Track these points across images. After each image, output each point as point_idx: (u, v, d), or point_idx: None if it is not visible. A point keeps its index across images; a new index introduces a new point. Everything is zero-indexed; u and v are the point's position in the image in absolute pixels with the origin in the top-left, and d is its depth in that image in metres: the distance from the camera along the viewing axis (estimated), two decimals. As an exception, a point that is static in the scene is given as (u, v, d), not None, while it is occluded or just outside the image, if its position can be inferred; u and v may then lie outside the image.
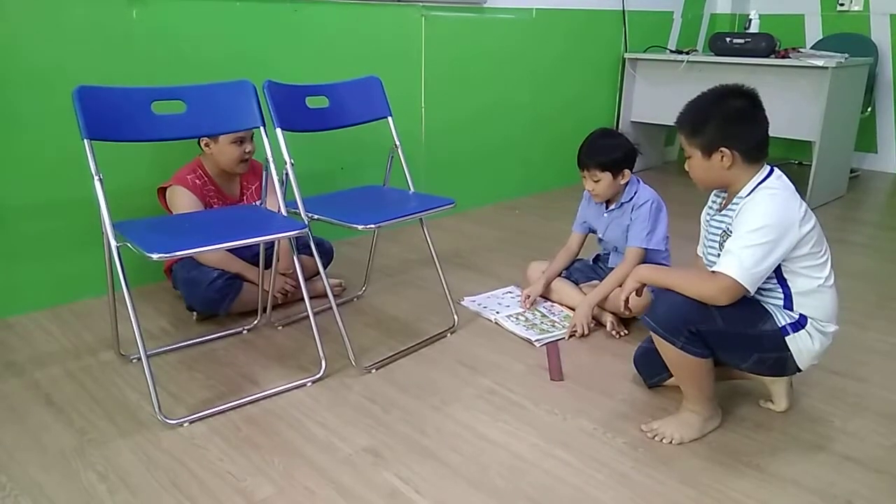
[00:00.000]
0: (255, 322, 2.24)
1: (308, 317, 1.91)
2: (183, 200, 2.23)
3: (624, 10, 4.30)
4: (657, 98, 4.36)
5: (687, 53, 4.19)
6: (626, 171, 2.24)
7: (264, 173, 2.02)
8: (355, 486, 1.48)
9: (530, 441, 1.65)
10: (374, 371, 1.98)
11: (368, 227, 1.87)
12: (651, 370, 1.83)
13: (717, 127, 1.55)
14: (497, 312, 2.38)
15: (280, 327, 2.25)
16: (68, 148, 1.97)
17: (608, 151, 2.21)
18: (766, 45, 3.82)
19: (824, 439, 1.69)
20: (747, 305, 1.54)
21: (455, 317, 2.28)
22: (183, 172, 2.29)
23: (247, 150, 2.27)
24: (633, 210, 2.25)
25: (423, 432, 1.69)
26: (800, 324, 1.57)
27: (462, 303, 2.46)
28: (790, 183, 1.58)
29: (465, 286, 2.58)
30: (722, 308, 1.51)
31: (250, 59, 2.66)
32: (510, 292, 2.57)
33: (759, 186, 1.55)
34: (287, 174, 1.96)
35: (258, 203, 2.13)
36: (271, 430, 1.68)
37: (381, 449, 1.61)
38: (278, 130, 1.96)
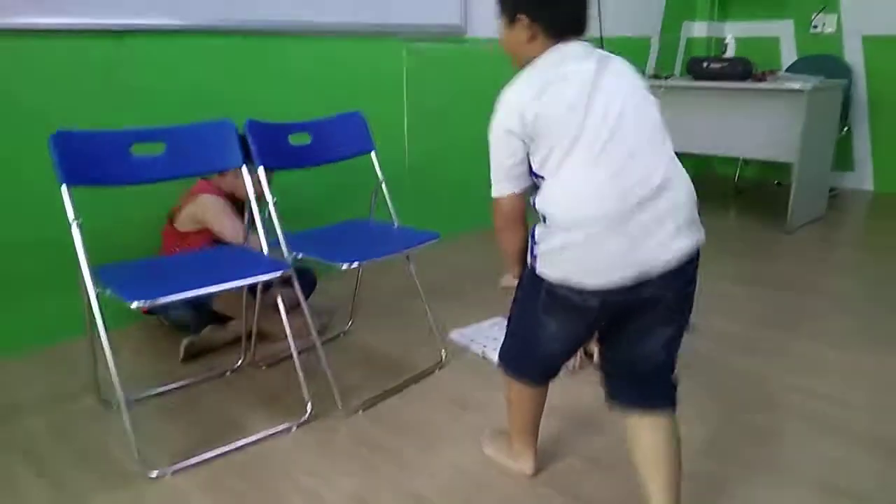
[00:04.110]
0: (239, 362, 2.20)
1: (286, 358, 1.89)
2: (218, 205, 2.26)
3: (602, 38, 4.34)
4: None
5: (665, 79, 4.24)
6: None
7: (246, 212, 2.00)
8: (344, 537, 1.44)
9: (522, 481, 1.63)
10: (361, 412, 1.94)
11: (351, 265, 1.85)
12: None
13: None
14: (485, 346, 2.35)
15: (264, 367, 2.21)
16: (47, 186, 1.94)
17: None
18: (742, 69, 3.87)
19: (809, 466, 1.68)
20: None
21: (443, 352, 2.26)
22: (202, 187, 2.29)
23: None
24: None
25: (412, 476, 1.65)
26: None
27: (450, 336, 2.44)
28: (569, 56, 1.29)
29: (453, 318, 2.56)
30: None
31: (233, 95, 2.65)
32: (497, 324, 2.55)
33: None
34: (270, 212, 1.94)
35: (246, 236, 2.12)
36: (257, 479, 1.64)
37: (368, 496, 1.58)
38: (260, 169, 1.95)
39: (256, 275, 1.72)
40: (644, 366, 1.33)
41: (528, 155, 1.27)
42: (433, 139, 3.48)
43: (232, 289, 1.69)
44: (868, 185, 4.77)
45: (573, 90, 1.22)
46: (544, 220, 1.27)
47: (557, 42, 1.28)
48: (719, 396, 2.03)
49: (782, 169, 4.36)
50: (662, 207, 1.19)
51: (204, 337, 2.27)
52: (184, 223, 2.31)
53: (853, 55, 4.63)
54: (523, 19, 1.28)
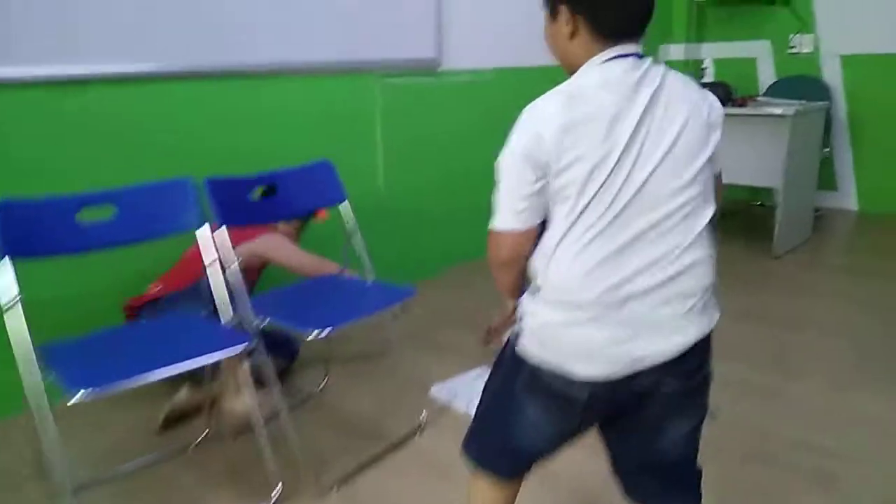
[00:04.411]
0: (204, 433, 2.05)
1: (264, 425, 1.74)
2: (286, 241, 2.26)
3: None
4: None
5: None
6: None
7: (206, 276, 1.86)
8: None
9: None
10: (335, 490, 1.80)
11: (321, 333, 1.71)
12: None
13: None
14: (469, 402, 2.22)
15: (232, 438, 2.06)
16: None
17: None
18: (722, 94, 3.80)
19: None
20: None
21: (423, 414, 2.12)
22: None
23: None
24: None
25: (392, 567, 1.52)
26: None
27: (431, 391, 2.30)
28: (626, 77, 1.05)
29: (434, 369, 2.42)
30: None
31: (202, 142, 2.51)
32: (481, 375, 2.41)
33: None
34: (235, 275, 1.81)
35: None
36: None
37: None
38: (223, 229, 1.81)
39: (215, 351, 1.57)
40: (662, 462, 1.18)
41: (544, 188, 1.06)
42: (409, 174, 3.36)
43: (190, 369, 1.54)
44: (852, 204, 4.73)
45: (604, 130, 1.01)
46: (534, 287, 1.12)
47: (606, 45, 1.06)
48: (710, 448, 1.91)
49: (766, 190, 4.30)
50: (672, 294, 1.05)
51: (179, 402, 2.12)
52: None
53: (831, 75, 4.60)
54: (564, 11, 1.08)
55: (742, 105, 3.75)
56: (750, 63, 4.93)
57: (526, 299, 1.13)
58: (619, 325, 1.04)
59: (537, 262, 1.10)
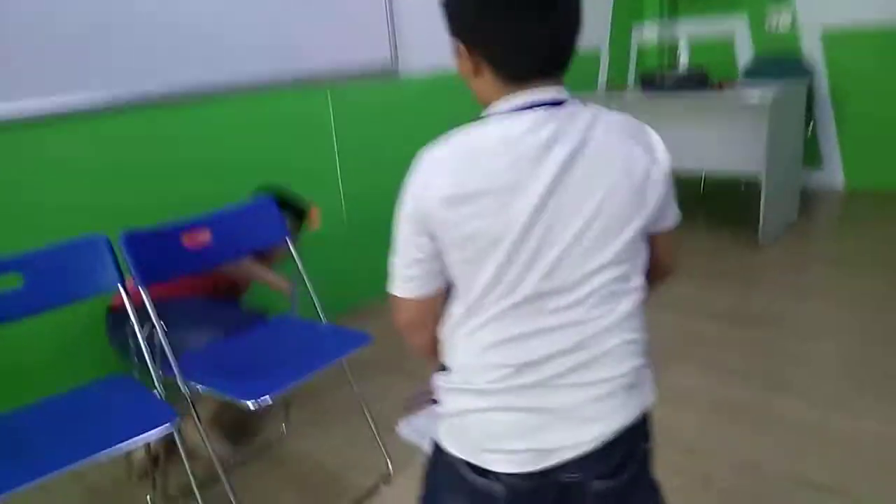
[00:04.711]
0: (148, 497, 1.89)
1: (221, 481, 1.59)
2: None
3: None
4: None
5: (618, 90, 3.98)
6: None
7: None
8: None
9: None
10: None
11: (260, 402, 1.54)
12: None
13: (450, 10, 0.91)
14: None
15: (180, 500, 1.91)
16: None
17: None
18: (698, 80, 3.63)
19: None
20: None
21: (388, 461, 1.97)
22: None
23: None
24: None
25: None
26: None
27: (398, 430, 2.15)
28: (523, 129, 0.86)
29: (400, 402, 2.26)
30: None
31: (145, 179, 2.32)
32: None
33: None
34: (160, 340, 1.64)
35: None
36: None
37: None
38: (141, 291, 1.64)
39: (130, 437, 1.39)
40: None
41: (440, 254, 0.91)
42: (370, 186, 3.18)
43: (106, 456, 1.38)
44: (838, 184, 4.57)
45: (500, 205, 0.84)
46: (445, 366, 0.97)
47: (513, 88, 0.88)
48: (690, 488, 1.77)
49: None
50: (588, 380, 0.90)
51: (139, 460, 1.97)
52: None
53: (811, 50, 4.41)
54: (461, 48, 0.91)
55: (720, 89, 3.56)
56: (727, 42, 4.74)
57: (441, 378, 0.98)
58: (526, 413, 0.90)
59: (444, 336, 0.96)
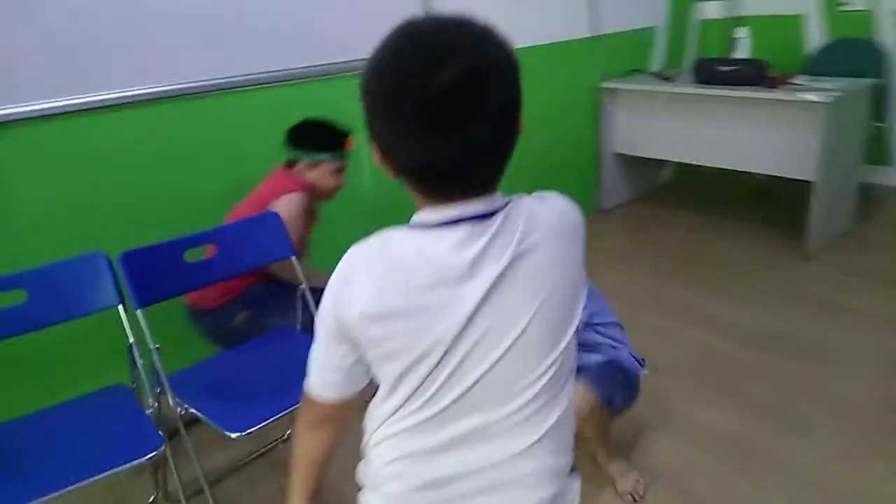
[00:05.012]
0: (151, 498, 1.97)
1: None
2: (299, 210, 2.09)
3: (592, 37, 3.88)
4: (640, 129, 3.97)
5: (669, 80, 3.77)
6: None
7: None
8: None
9: None
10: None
11: (245, 433, 1.56)
12: None
13: (365, 105, 0.81)
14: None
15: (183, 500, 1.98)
16: None
17: None
18: (755, 73, 3.39)
19: None
20: None
21: None
22: (290, 183, 2.12)
23: (344, 181, 2.25)
24: None
25: None
26: None
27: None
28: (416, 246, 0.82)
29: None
30: None
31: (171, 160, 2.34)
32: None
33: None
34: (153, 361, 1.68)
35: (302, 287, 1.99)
36: None
37: None
38: (139, 312, 1.68)
39: (115, 467, 1.44)
40: None
41: (361, 359, 0.88)
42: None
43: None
44: (907, 181, 4.25)
45: (421, 326, 0.80)
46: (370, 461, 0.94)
47: (432, 200, 0.82)
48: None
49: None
50: (502, 499, 0.87)
51: None
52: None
53: (889, 36, 4.05)
54: (377, 152, 0.83)
55: (774, 87, 3.32)
56: (795, 23, 4.40)
57: (365, 467, 0.95)
58: None
59: (366, 431, 0.93)
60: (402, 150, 0.79)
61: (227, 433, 1.55)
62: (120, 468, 1.44)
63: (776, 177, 3.48)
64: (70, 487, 1.38)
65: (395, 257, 0.82)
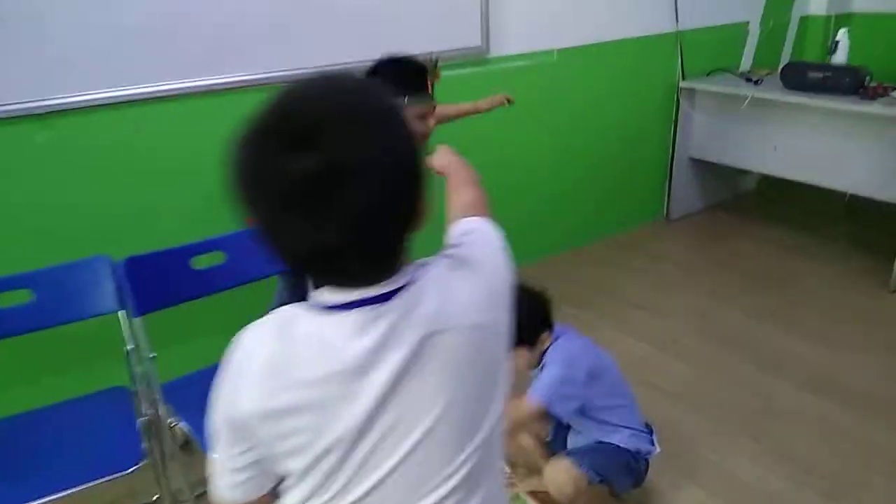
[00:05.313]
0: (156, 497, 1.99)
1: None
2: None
3: (678, 33, 3.59)
4: (718, 133, 3.66)
5: (757, 83, 3.44)
6: (544, 335, 1.73)
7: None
8: None
9: None
10: None
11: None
12: None
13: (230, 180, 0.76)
14: None
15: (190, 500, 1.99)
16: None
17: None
18: (850, 81, 3.04)
19: None
20: None
21: None
22: None
23: (430, 126, 1.82)
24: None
25: None
26: None
27: None
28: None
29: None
30: None
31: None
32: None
33: None
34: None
35: None
36: None
37: None
38: (137, 321, 1.67)
39: (93, 480, 1.44)
40: None
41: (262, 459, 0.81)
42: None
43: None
44: None
45: (319, 422, 0.73)
46: None
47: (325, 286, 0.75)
48: None
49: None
50: None
51: None
52: None
53: None
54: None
55: (872, 98, 2.96)
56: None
57: None
58: None
59: None
60: (276, 239, 0.71)
61: (208, 454, 1.52)
62: (94, 482, 1.44)
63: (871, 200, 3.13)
64: (42, 500, 1.38)
65: (290, 346, 0.75)
